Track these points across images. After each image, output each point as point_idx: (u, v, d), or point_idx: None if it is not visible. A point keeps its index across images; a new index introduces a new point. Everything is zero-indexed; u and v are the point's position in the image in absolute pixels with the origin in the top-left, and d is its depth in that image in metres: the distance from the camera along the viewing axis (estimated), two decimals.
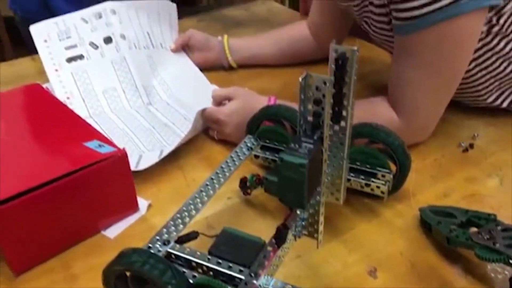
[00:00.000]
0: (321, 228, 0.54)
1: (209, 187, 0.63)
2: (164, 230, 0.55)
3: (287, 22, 1.30)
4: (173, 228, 0.55)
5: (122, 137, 0.84)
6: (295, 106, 0.75)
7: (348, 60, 0.52)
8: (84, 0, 1.21)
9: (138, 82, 0.96)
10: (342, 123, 0.56)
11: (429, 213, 0.65)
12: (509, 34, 0.77)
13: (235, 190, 0.72)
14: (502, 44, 0.78)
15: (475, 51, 0.77)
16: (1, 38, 1.98)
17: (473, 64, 0.80)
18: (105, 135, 0.70)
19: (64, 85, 0.91)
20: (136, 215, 0.71)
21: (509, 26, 0.76)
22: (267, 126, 0.74)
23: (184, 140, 0.81)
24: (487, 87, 0.84)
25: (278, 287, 0.49)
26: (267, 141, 0.74)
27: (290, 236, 0.51)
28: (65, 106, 0.77)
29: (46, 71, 0.93)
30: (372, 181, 0.66)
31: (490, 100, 0.87)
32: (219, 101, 0.86)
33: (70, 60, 0.95)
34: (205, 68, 1.07)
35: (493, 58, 0.79)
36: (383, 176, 0.67)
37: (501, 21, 0.75)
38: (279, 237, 0.50)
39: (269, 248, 0.49)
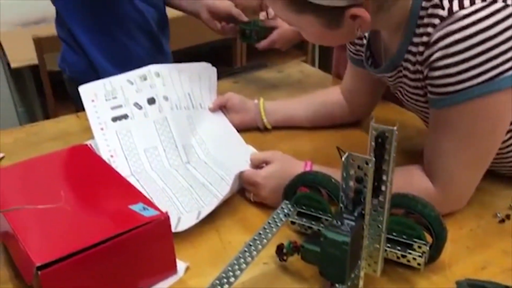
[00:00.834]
0: None
1: (247, 254, 0.64)
2: None
3: (320, 84, 1.35)
4: None
5: (161, 196, 0.87)
6: (330, 172, 0.78)
7: (388, 138, 0.54)
8: (128, 62, 1.28)
9: (178, 141, 0.99)
10: (381, 198, 0.57)
11: (467, 287, 0.65)
12: None
13: (271, 256, 0.73)
14: None
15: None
16: (45, 92, 2.08)
17: (509, 135, 0.81)
18: (147, 195, 0.73)
19: (108, 143, 0.96)
20: (175, 277, 0.72)
21: None
22: (304, 192, 0.76)
23: (221, 202, 0.83)
24: None
25: None
26: (304, 207, 0.76)
27: None
28: (111, 167, 0.80)
29: (92, 129, 0.98)
30: (409, 253, 0.67)
31: None
32: (257, 164, 0.89)
33: (115, 119, 1.00)
34: (241, 129, 1.10)
35: None
36: (419, 247, 0.67)
37: None
38: None
39: None
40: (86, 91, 1.03)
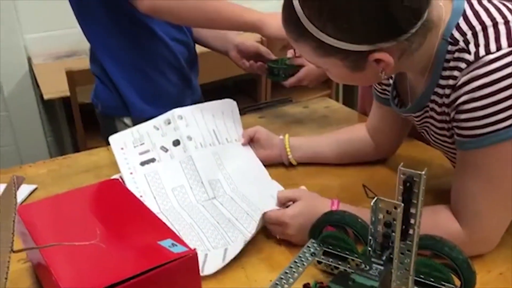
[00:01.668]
0: None
1: None
2: None
3: (345, 120, 1.37)
4: None
5: (189, 232, 0.89)
6: (357, 211, 0.78)
7: (416, 182, 0.54)
8: (158, 98, 1.32)
9: (204, 178, 1.02)
10: (409, 241, 0.58)
11: None
12: None
13: None
14: None
15: None
16: (75, 123, 2.13)
17: None
18: (175, 230, 0.74)
19: (137, 185, 1.00)
20: None
21: None
22: (330, 232, 0.77)
23: (247, 241, 0.84)
24: None
25: None
26: (330, 247, 0.76)
27: None
28: (140, 202, 0.82)
29: (122, 174, 1.02)
30: None
31: None
32: (283, 202, 0.90)
33: (143, 163, 1.04)
34: (267, 163, 1.12)
35: None
36: None
37: None
38: None
39: None
40: (116, 140, 1.08)
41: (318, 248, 0.76)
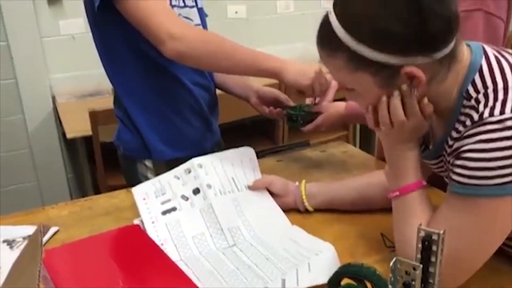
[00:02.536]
0: None
1: None
2: None
3: (363, 165, 1.37)
4: None
5: (209, 278, 0.89)
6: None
7: (435, 241, 0.55)
8: (179, 141, 1.35)
9: (224, 225, 1.03)
10: None
11: None
12: None
13: None
14: None
15: None
16: (96, 161, 2.18)
17: None
18: (195, 277, 0.75)
19: (158, 234, 1.01)
20: None
21: None
22: (348, 284, 0.76)
23: None
24: None
25: None
26: None
27: None
28: (160, 250, 0.84)
29: (144, 223, 1.04)
30: None
31: None
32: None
33: (164, 213, 1.06)
34: (283, 210, 1.12)
35: None
36: None
37: None
38: None
39: None
40: (139, 191, 1.11)
41: None
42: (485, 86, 0.76)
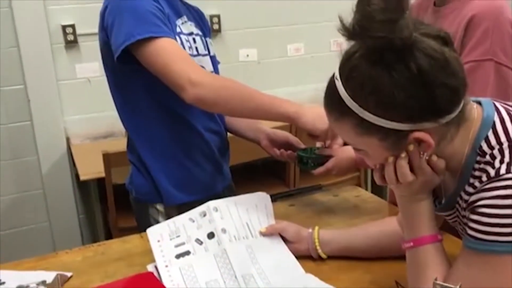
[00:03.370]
0: None
1: None
2: None
3: (376, 210, 1.37)
4: None
5: None
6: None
7: None
8: (190, 185, 1.36)
9: (238, 272, 1.03)
10: None
11: None
12: None
13: None
14: None
15: None
16: (108, 203, 2.19)
17: None
18: None
19: (172, 278, 1.02)
20: None
21: None
22: None
23: None
24: None
25: None
26: None
27: None
28: None
29: (157, 267, 1.04)
30: None
31: None
32: None
33: (178, 256, 1.07)
34: (297, 256, 1.12)
35: None
36: None
37: None
38: None
39: None
40: (153, 232, 1.12)
41: None
42: (499, 142, 0.77)
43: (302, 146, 1.39)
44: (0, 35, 2.41)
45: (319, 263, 1.13)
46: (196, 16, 1.48)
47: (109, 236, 2.42)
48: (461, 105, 0.76)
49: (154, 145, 1.33)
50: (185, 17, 1.39)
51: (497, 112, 0.80)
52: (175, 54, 1.18)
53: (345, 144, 1.33)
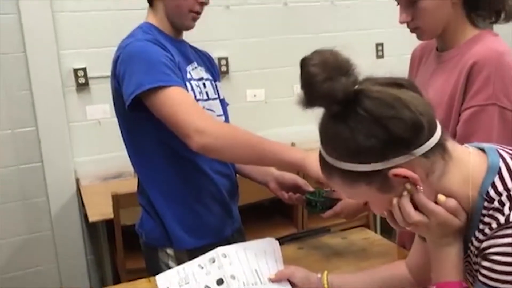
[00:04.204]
0: None
1: None
2: None
3: (385, 253, 1.36)
4: None
5: None
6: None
7: None
8: (200, 229, 1.37)
9: None
10: None
11: None
12: None
13: None
14: None
15: None
16: (116, 244, 2.19)
17: None
18: None
19: None
20: None
21: None
22: None
23: None
24: None
25: None
26: None
27: None
28: None
29: None
30: None
31: None
32: None
33: None
34: None
35: None
36: None
37: None
38: None
39: None
40: (163, 279, 1.13)
41: None
42: (506, 189, 0.78)
43: (310, 188, 1.39)
44: (14, 79, 2.48)
45: None
46: (206, 60, 1.52)
47: (116, 277, 2.41)
48: (432, 138, 0.78)
49: (164, 188, 1.35)
50: (195, 63, 1.43)
51: (502, 158, 0.81)
52: (183, 103, 1.21)
53: None
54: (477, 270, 0.80)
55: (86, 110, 2.65)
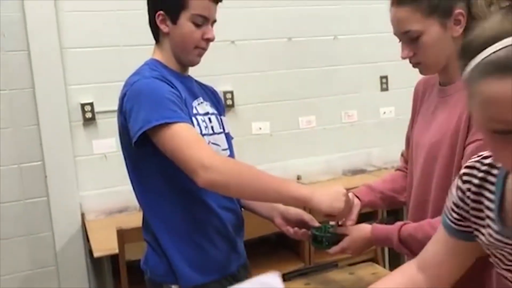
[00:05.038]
0: None
1: None
2: None
3: None
4: None
5: None
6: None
7: None
8: (205, 264, 1.36)
9: None
10: None
11: None
12: None
13: None
14: None
15: None
16: (121, 279, 2.16)
17: None
18: None
19: None
20: None
21: None
22: None
23: None
24: None
25: None
26: None
27: None
28: None
29: None
30: None
31: None
32: None
33: None
34: None
35: None
36: None
37: None
38: None
39: None
40: None
41: None
42: None
43: (316, 223, 1.38)
44: (22, 114, 2.51)
45: None
46: (211, 95, 1.54)
47: None
48: None
49: (169, 224, 1.34)
50: (200, 98, 1.44)
51: None
52: (189, 138, 1.22)
53: (357, 222, 1.33)
54: None
55: (92, 144, 2.67)
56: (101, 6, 2.59)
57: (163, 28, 1.36)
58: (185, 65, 1.42)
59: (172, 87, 1.30)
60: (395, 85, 3.34)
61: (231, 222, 1.42)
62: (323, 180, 3.04)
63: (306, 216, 1.40)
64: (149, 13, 1.39)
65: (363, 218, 1.35)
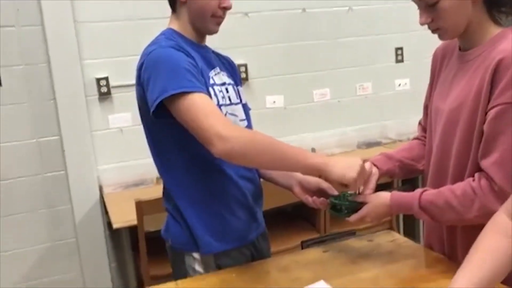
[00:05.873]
0: None
1: None
2: None
3: (411, 256, 1.35)
4: None
5: None
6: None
7: None
8: (225, 233, 1.37)
9: None
10: None
11: None
12: None
13: None
14: None
15: None
16: (140, 250, 2.20)
17: None
18: None
19: None
20: None
21: None
22: None
23: None
24: None
25: None
26: None
27: None
28: None
29: None
30: None
31: None
32: None
33: None
34: None
35: None
36: None
37: None
38: None
39: None
40: None
41: None
42: None
43: (335, 192, 1.38)
44: (38, 89, 2.52)
45: None
46: (228, 66, 1.54)
47: (140, 284, 2.42)
48: None
49: (189, 193, 1.36)
50: (217, 68, 1.44)
51: None
52: (205, 109, 1.21)
53: (376, 190, 1.33)
54: None
55: (108, 119, 2.69)
56: None
57: None
58: (203, 34, 1.41)
59: (188, 57, 1.29)
60: (410, 56, 3.30)
61: (250, 191, 1.43)
62: (337, 153, 3.04)
63: (325, 185, 1.40)
64: None
65: (378, 188, 1.35)
